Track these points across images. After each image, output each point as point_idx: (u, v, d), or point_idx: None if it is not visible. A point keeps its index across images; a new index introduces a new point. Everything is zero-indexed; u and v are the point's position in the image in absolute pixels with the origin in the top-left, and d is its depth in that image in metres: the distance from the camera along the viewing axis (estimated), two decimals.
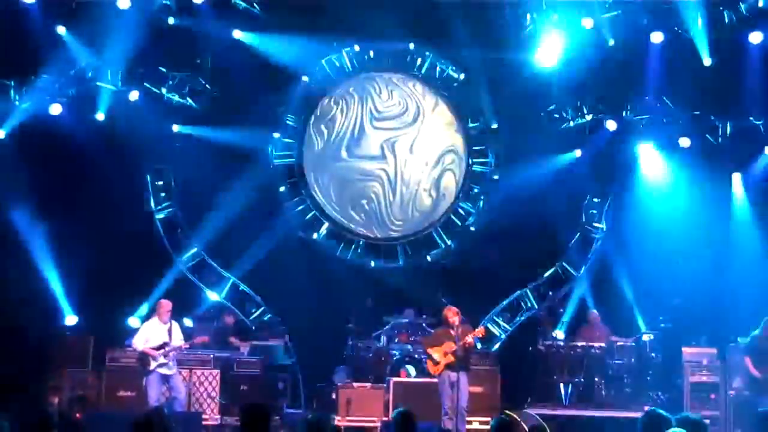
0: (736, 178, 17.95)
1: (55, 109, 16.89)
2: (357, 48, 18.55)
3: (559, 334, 17.50)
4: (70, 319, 17.06)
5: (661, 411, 7.62)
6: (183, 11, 17.07)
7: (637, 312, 17.72)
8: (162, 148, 17.82)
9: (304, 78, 18.41)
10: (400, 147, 18.77)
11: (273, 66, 17.65)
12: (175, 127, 17.76)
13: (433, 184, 18.83)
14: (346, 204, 18.75)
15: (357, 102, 18.81)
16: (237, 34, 17.49)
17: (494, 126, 18.59)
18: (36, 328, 16.35)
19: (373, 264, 18.63)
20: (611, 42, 17.21)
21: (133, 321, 17.04)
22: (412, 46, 18.57)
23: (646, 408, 14.93)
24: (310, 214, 18.64)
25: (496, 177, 18.67)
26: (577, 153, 18.34)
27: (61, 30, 16.63)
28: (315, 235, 18.58)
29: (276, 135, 18.52)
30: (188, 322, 16.67)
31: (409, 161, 18.78)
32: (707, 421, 8.07)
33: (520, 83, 17.85)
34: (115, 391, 15.65)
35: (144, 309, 16.96)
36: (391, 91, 18.87)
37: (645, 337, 16.90)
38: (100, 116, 17.19)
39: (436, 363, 13.94)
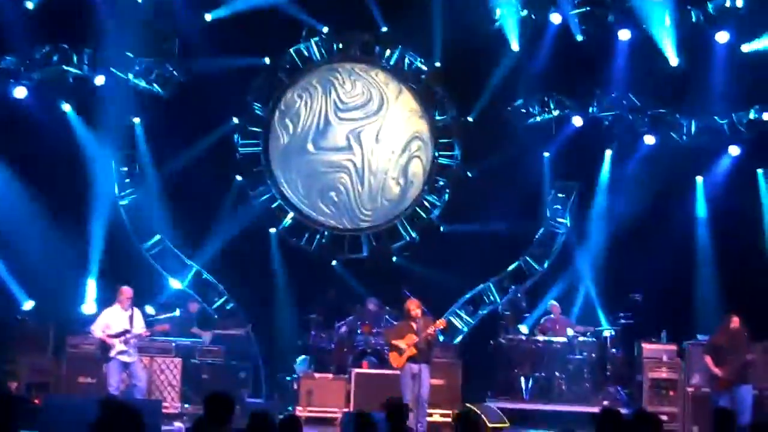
0: (699, 180, 18.10)
1: (20, 92, 16.70)
2: (325, 37, 18.50)
3: (524, 329, 17.55)
4: (27, 305, 16.87)
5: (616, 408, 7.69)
6: None
7: (597, 307, 17.83)
8: (127, 134, 17.67)
9: (266, 60, 18.29)
10: (365, 137, 18.75)
11: (240, 54, 17.58)
12: (136, 119, 17.67)
13: (401, 172, 18.84)
14: (314, 197, 18.72)
15: (321, 94, 18.76)
16: (208, 17, 17.37)
17: (469, 119, 18.61)
18: None
19: (334, 263, 18.62)
20: (579, 38, 17.30)
21: (87, 307, 16.93)
22: (384, 29, 18.52)
23: (605, 403, 15.19)
24: (275, 204, 18.60)
25: (469, 174, 18.70)
26: (546, 154, 18.44)
27: (29, 5, 16.44)
28: (278, 226, 18.52)
29: (237, 121, 18.39)
30: (150, 309, 16.54)
31: (375, 150, 18.78)
32: (664, 417, 8.17)
33: (487, 77, 17.90)
34: (75, 378, 15.52)
35: (93, 294, 16.90)
36: (354, 81, 18.85)
37: (606, 333, 16.99)
38: (67, 107, 17.10)
39: (402, 353, 13.93)
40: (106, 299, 15.35)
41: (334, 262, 18.62)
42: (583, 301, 17.90)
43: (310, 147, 18.72)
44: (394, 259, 18.70)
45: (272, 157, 18.65)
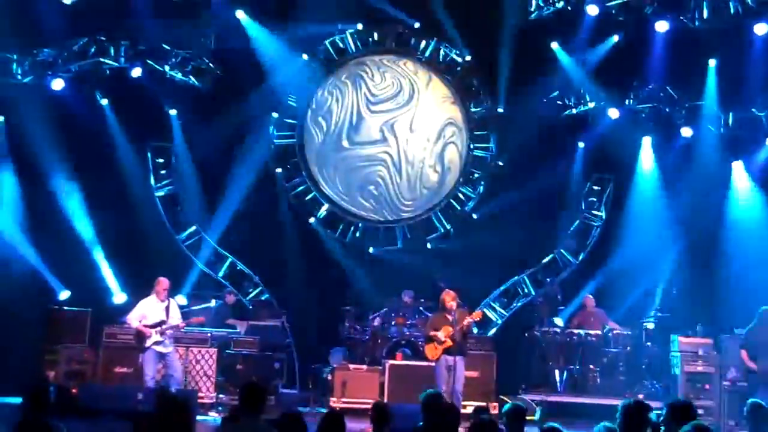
0: (737, 166, 17.93)
1: (57, 84, 16.82)
2: (360, 28, 18.51)
3: (559, 321, 17.51)
4: (64, 294, 17.01)
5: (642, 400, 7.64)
6: None
7: (634, 300, 17.75)
8: (163, 126, 17.78)
9: (304, 56, 18.34)
10: (399, 127, 18.76)
11: (275, 47, 17.62)
12: (173, 112, 17.76)
13: (437, 159, 18.86)
14: (354, 192, 18.76)
15: (351, 89, 18.78)
16: (240, 15, 17.43)
17: (500, 110, 18.58)
18: (33, 304, 16.31)
19: (371, 250, 18.65)
20: (616, 30, 17.21)
21: (118, 297, 17.08)
22: (417, 25, 18.52)
23: (640, 396, 15.13)
24: (309, 196, 18.64)
25: (501, 163, 18.68)
26: (581, 144, 18.38)
27: (66, 1, 16.56)
28: (313, 218, 18.57)
29: (275, 115, 18.47)
30: (181, 299, 16.57)
31: (410, 140, 18.78)
32: (700, 411, 8.13)
33: (523, 69, 17.84)
34: (111, 367, 15.65)
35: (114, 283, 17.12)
36: (384, 73, 18.85)
37: (649, 326, 16.87)
38: (104, 102, 17.25)
39: (438, 344, 13.95)
40: (138, 290, 15.49)
41: (371, 249, 18.63)
42: (618, 294, 17.75)
43: (345, 143, 18.75)
44: (429, 247, 18.67)
45: (309, 156, 18.70)
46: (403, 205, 18.82)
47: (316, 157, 18.74)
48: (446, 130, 18.88)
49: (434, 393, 9.44)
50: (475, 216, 18.79)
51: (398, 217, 18.83)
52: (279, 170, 18.54)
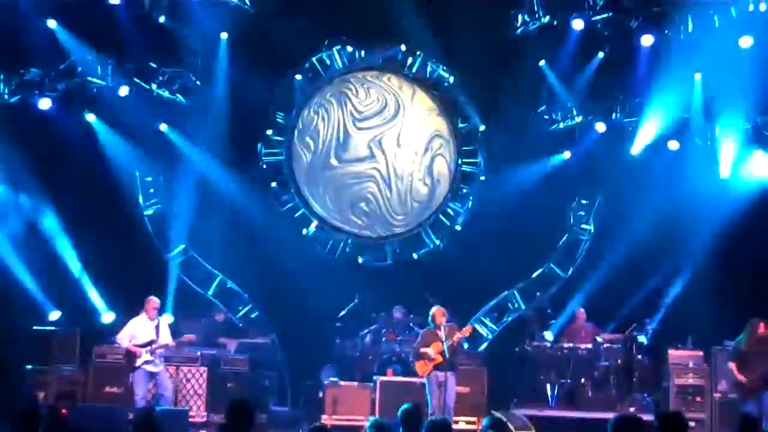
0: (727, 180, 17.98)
1: (44, 104, 16.80)
2: (349, 48, 18.54)
3: (548, 335, 17.52)
4: (54, 315, 16.94)
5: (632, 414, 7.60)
6: (174, 7, 17.02)
7: (622, 313, 17.74)
8: (151, 144, 17.76)
9: (297, 77, 18.37)
10: (387, 143, 18.79)
11: (262, 64, 17.63)
12: (163, 126, 17.74)
13: (426, 172, 18.88)
14: (345, 210, 18.77)
15: (336, 107, 18.79)
16: (224, 35, 17.45)
17: (482, 128, 18.63)
18: (21, 325, 16.24)
19: (360, 260, 18.65)
20: (602, 44, 17.28)
21: (107, 317, 17.03)
22: (404, 47, 18.59)
23: (631, 410, 15.13)
24: (298, 213, 18.64)
25: (482, 178, 18.73)
26: (567, 155, 18.42)
27: (51, 24, 16.56)
28: (304, 231, 18.55)
29: (270, 133, 18.50)
30: (168, 317, 16.43)
31: (398, 155, 18.81)
32: (692, 424, 8.14)
33: (510, 84, 17.89)
34: (102, 387, 15.65)
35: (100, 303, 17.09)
36: (368, 89, 18.88)
37: (640, 339, 16.88)
38: (91, 117, 17.17)
39: (428, 361, 13.96)
40: (126, 309, 15.45)
41: (360, 259, 18.63)
42: (608, 307, 17.75)
43: (333, 161, 18.76)
44: (417, 263, 18.67)
45: (298, 176, 18.70)
46: (395, 219, 18.83)
47: (305, 176, 18.74)
48: (434, 142, 18.93)
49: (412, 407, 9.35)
50: (458, 228, 18.76)
51: (390, 233, 18.83)
52: (274, 184, 18.51)
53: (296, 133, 18.72)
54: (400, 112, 18.84)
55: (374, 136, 18.79)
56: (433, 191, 18.91)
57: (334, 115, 18.76)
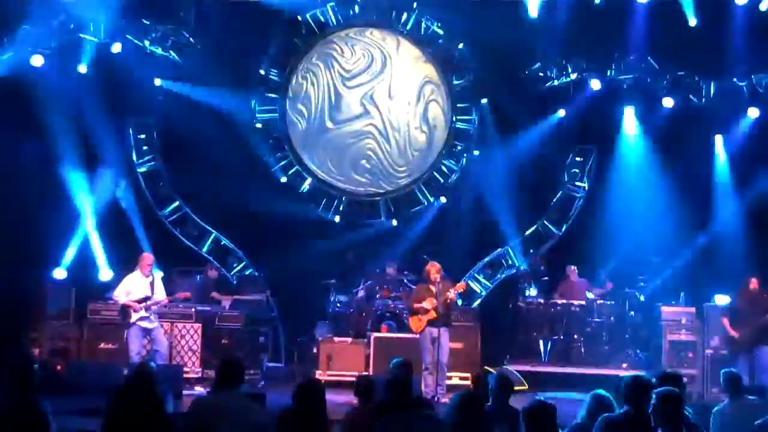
0: (718, 140, 17.98)
1: (37, 61, 16.71)
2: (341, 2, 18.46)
3: (533, 292, 17.56)
4: (59, 273, 16.95)
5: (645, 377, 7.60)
6: None
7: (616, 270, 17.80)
8: (145, 102, 17.70)
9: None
10: (378, 97, 18.71)
11: (256, 20, 17.53)
12: (157, 81, 17.67)
13: (422, 120, 18.80)
14: (348, 170, 18.73)
15: (324, 69, 18.69)
16: None
17: (484, 101, 18.63)
18: (15, 280, 16.22)
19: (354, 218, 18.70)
20: (597, 0, 17.18)
21: (104, 274, 17.05)
22: None
23: (624, 366, 15.19)
24: (292, 170, 18.61)
25: (476, 152, 18.74)
26: (561, 112, 18.37)
27: None
28: (296, 191, 18.54)
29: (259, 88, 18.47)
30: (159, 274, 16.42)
31: (392, 107, 18.73)
32: (685, 379, 8.20)
33: (505, 41, 17.77)
34: (96, 344, 15.68)
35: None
36: (352, 46, 18.76)
37: (633, 295, 16.94)
38: (83, 68, 17.04)
39: (422, 316, 14.01)
40: (122, 265, 15.47)
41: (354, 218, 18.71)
42: (602, 264, 17.81)
43: (329, 124, 18.70)
44: (411, 220, 18.71)
45: (295, 143, 18.65)
46: (398, 172, 18.81)
47: (302, 143, 18.70)
48: (425, 89, 18.84)
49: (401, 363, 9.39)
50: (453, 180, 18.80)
51: (396, 186, 18.81)
52: (264, 144, 18.48)
53: (287, 102, 18.63)
54: (388, 64, 18.74)
55: (365, 92, 18.71)
56: (432, 138, 18.84)
57: (322, 77, 18.67)
